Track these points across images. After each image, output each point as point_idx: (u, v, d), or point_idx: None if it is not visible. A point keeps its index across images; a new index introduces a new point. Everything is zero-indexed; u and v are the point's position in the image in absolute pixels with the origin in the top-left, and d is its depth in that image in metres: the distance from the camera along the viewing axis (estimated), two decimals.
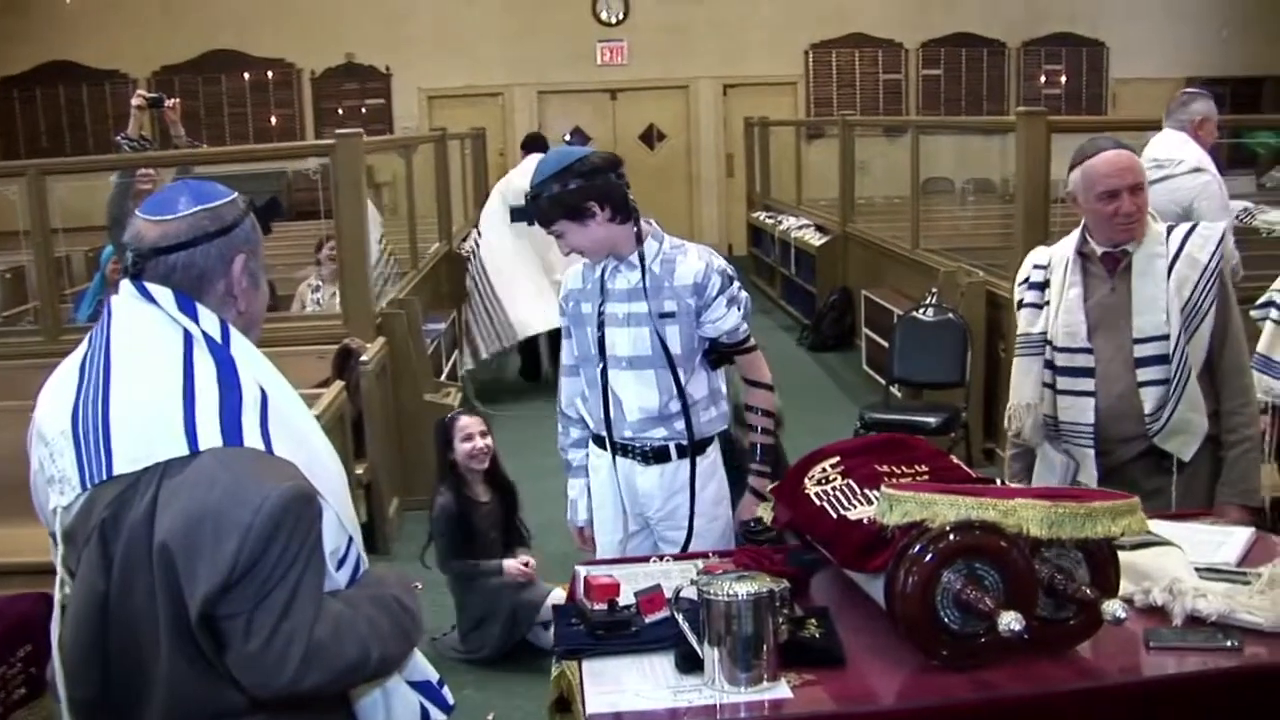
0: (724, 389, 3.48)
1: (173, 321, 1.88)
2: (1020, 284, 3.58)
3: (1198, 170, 5.17)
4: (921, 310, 7.08)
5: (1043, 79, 16.87)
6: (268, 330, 6.77)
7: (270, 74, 16.15)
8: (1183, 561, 2.55)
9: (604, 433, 3.41)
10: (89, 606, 1.84)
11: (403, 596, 2.01)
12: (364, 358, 5.91)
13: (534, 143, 9.98)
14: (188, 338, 1.87)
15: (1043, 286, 3.50)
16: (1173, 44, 16.54)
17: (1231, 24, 16.61)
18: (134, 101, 6.87)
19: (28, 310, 7.84)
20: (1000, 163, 13.04)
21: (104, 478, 1.81)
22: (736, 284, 3.38)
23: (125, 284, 1.92)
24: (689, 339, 3.33)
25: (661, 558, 2.98)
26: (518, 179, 9.10)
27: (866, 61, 16.82)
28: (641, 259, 3.32)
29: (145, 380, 1.84)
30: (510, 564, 4.72)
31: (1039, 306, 3.50)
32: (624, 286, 3.34)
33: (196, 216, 1.94)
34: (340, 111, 15.66)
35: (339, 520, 1.91)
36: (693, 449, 3.38)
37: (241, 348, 1.92)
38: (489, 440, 4.87)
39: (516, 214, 3.32)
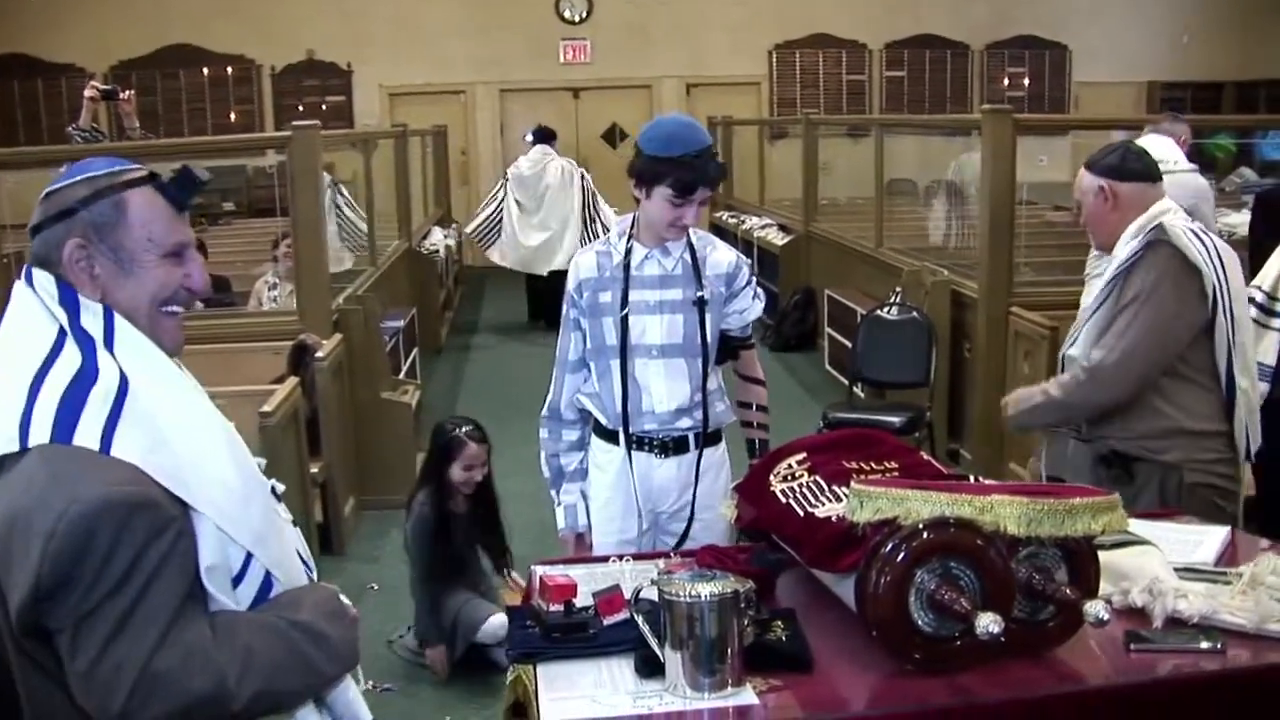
0: (723, 385, 3.44)
1: (49, 314, 1.74)
2: None
3: (1194, 172, 5.25)
4: (886, 309, 7.02)
5: (1006, 81, 16.91)
6: (223, 327, 6.63)
7: (230, 70, 15.95)
8: (1162, 561, 2.46)
9: (619, 427, 3.31)
10: None
11: (316, 623, 1.78)
12: (319, 354, 5.78)
13: (544, 135, 11.34)
14: (61, 332, 1.73)
15: None
16: (1134, 48, 16.62)
17: (1192, 30, 16.72)
18: (87, 92, 6.73)
19: None
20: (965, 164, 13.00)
21: None
22: (755, 279, 3.43)
23: (25, 268, 1.80)
24: (716, 328, 3.33)
25: (621, 557, 2.88)
26: (525, 166, 11.14)
27: (830, 62, 16.79)
28: (690, 244, 3.32)
29: (5, 371, 1.71)
30: (432, 656, 4.52)
31: None
32: (655, 273, 3.29)
33: (47, 200, 1.81)
34: (301, 108, 15.40)
35: (221, 533, 1.72)
36: (706, 439, 3.33)
37: (126, 338, 1.76)
38: (486, 469, 4.66)
39: (694, 169, 3.18)
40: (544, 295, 11.27)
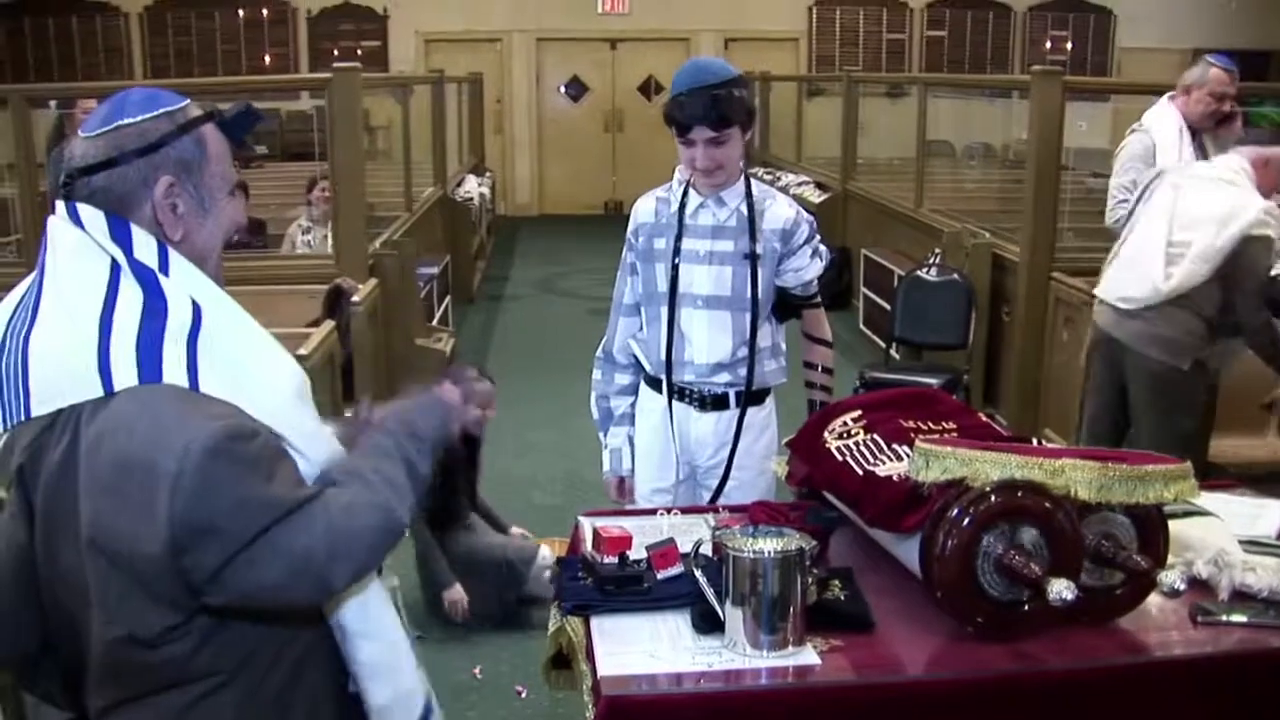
0: (783, 344, 3.36)
1: (99, 249, 1.67)
2: None
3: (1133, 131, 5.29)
4: (925, 270, 6.94)
5: (1048, 44, 16.68)
6: (258, 269, 6.58)
7: (265, 12, 15.85)
8: (1226, 533, 2.41)
9: (662, 375, 3.26)
10: (14, 559, 1.69)
11: (408, 423, 1.85)
12: (355, 298, 5.75)
13: None
14: (115, 267, 1.66)
15: None
16: (1180, 14, 16.35)
17: None
18: None
19: (10, 243, 7.64)
20: (1003, 128, 12.85)
21: (21, 419, 1.65)
22: (819, 237, 3.30)
23: (59, 205, 1.71)
24: (768, 284, 3.23)
25: (669, 510, 2.84)
26: None
27: (870, 20, 16.59)
28: (749, 192, 3.22)
29: (64, 313, 1.65)
30: (451, 598, 4.45)
31: None
32: (708, 222, 3.21)
33: (119, 133, 1.71)
34: (336, 53, 15.30)
35: (299, 455, 1.72)
36: (749, 398, 3.25)
37: (182, 272, 1.70)
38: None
39: (684, 107, 3.08)
40: None
